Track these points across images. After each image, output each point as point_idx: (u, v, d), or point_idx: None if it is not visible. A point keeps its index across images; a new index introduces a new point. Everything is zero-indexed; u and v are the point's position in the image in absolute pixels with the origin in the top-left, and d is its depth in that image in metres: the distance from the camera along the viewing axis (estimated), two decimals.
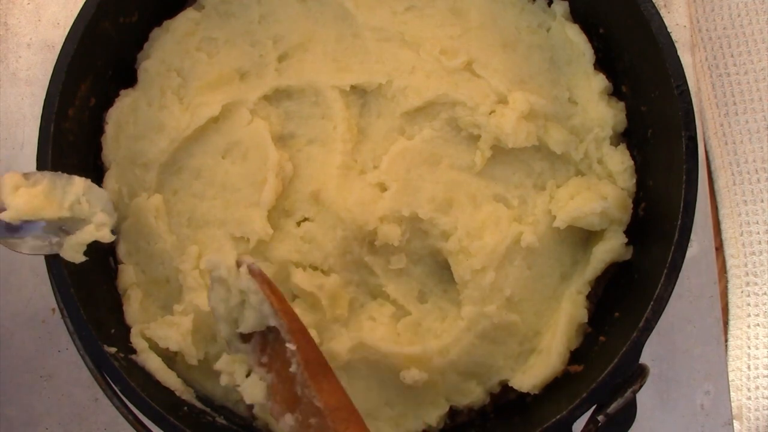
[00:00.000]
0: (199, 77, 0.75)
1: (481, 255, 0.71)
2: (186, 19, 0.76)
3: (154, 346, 0.70)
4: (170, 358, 0.71)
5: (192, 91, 0.75)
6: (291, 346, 0.58)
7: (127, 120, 0.74)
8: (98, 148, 0.74)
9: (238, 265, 0.61)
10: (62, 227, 0.67)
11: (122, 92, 0.75)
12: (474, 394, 0.73)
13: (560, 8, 0.75)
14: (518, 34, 0.76)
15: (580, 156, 0.74)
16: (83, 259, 0.66)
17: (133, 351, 0.69)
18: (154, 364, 0.69)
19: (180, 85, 0.75)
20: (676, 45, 0.67)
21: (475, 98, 0.72)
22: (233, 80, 0.75)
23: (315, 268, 0.72)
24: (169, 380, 0.69)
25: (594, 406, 0.65)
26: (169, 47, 0.75)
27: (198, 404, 0.70)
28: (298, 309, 0.72)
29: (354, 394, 0.71)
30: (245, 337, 0.62)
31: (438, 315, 0.73)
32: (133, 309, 0.72)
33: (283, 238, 0.72)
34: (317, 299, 0.71)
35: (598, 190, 0.72)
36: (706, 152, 0.88)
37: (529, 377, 0.71)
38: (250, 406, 0.72)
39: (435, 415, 0.72)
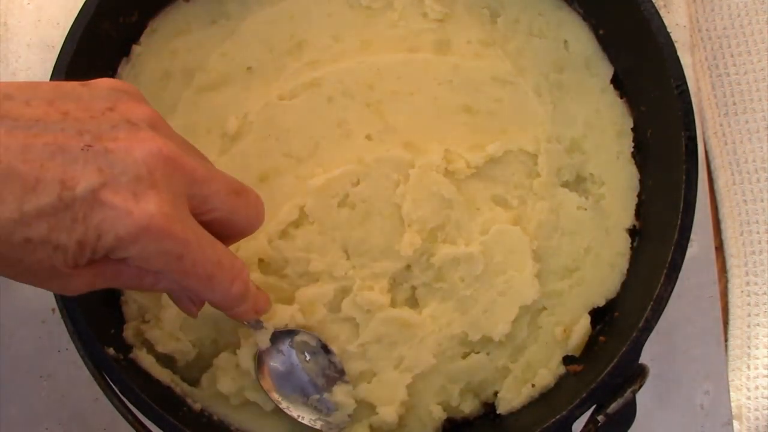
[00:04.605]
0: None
1: None
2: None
3: (148, 345, 0.70)
4: (170, 358, 0.71)
5: None
6: None
7: None
8: None
9: None
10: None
11: None
12: (470, 406, 0.73)
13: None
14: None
15: None
16: None
17: (132, 350, 0.70)
18: (146, 361, 0.69)
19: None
20: (676, 45, 0.67)
21: None
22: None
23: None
24: (164, 377, 0.69)
25: (594, 406, 0.65)
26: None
27: (197, 404, 0.70)
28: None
29: None
30: None
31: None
32: (132, 309, 0.72)
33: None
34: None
35: None
36: (706, 152, 0.88)
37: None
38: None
39: (432, 426, 0.72)
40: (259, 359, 0.68)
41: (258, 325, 0.66)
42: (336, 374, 0.69)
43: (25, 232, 0.46)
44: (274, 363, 0.68)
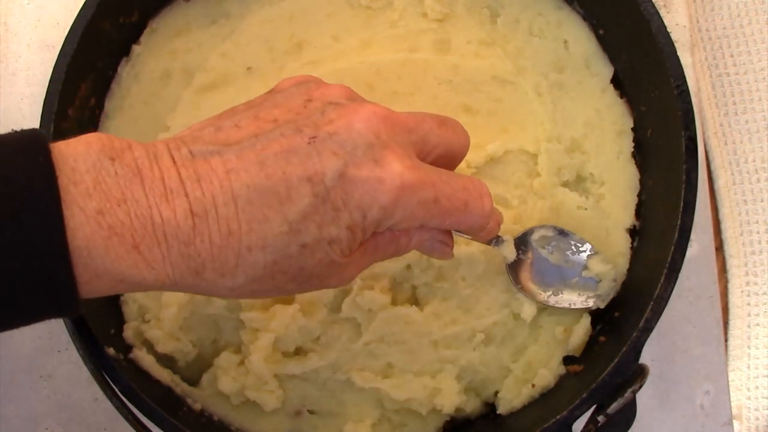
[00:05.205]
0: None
1: None
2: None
3: (148, 345, 0.70)
4: (170, 358, 0.71)
5: None
6: None
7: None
8: None
9: None
10: None
11: None
12: (472, 405, 0.73)
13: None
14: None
15: None
16: None
17: (132, 350, 0.70)
18: (146, 361, 0.69)
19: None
20: (676, 45, 0.67)
21: None
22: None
23: None
24: (164, 377, 0.69)
25: (594, 407, 0.65)
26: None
27: (197, 404, 0.70)
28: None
29: (349, 409, 0.71)
30: None
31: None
32: (132, 309, 0.72)
33: None
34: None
35: None
36: (706, 152, 0.88)
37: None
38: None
39: (433, 426, 0.72)
40: (511, 271, 0.70)
41: (499, 241, 0.67)
42: (583, 251, 0.71)
43: (298, 239, 0.47)
44: (525, 267, 0.70)
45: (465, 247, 0.71)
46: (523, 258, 0.70)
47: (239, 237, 0.46)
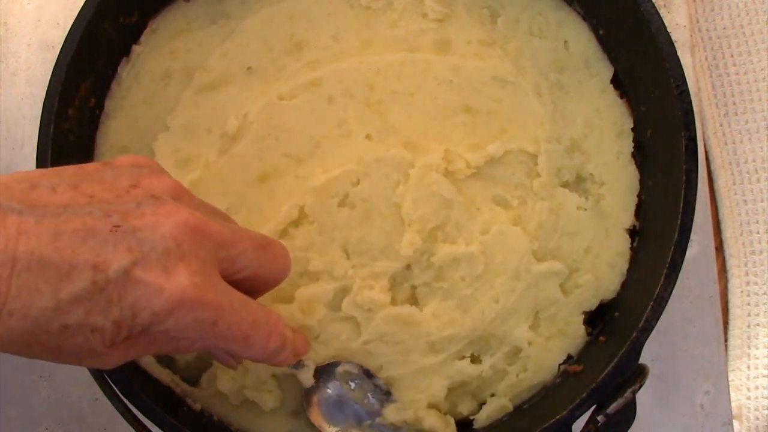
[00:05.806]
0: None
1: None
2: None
3: None
4: (170, 358, 0.71)
5: None
6: None
7: None
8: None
9: None
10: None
11: None
12: (468, 407, 0.73)
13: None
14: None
15: None
16: None
17: None
18: (146, 361, 0.69)
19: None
20: (676, 45, 0.67)
21: None
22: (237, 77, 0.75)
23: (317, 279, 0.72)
24: (164, 377, 0.69)
25: (594, 406, 0.65)
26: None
27: (197, 404, 0.70)
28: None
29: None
30: None
31: None
32: None
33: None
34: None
35: None
36: (706, 152, 0.88)
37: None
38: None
39: None
40: (306, 396, 0.69)
41: (300, 365, 0.66)
42: (383, 396, 0.70)
43: (62, 319, 0.46)
44: (321, 397, 0.69)
45: (465, 247, 0.71)
46: (323, 387, 0.69)
47: (5, 300, 0.45)
